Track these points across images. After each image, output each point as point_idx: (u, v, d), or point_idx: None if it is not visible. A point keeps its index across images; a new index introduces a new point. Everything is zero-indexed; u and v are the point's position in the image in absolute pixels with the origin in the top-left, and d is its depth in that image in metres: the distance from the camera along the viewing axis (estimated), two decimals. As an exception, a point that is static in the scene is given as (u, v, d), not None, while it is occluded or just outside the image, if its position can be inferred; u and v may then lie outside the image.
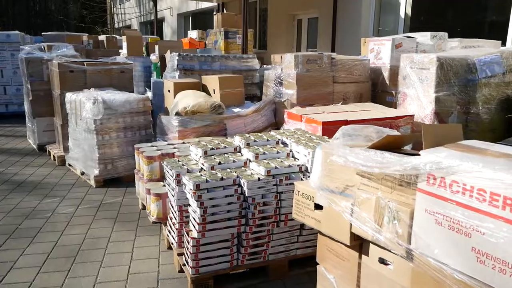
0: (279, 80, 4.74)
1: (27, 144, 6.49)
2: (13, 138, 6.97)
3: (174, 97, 4.39)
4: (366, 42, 6.33)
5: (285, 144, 2.90)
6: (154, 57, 7.19)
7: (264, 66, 6.21)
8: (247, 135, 3.03)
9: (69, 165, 5.14)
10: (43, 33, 10.87)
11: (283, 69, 4.69)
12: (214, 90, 4.47)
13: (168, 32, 19.86)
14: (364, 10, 9.10)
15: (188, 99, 4.13)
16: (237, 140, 2.94)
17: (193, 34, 7.58)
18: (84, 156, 4.62)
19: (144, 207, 3.71)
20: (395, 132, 2.01)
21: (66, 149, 5.30)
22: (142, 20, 23.57)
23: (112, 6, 22.73)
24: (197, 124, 4.07)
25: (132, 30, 9.06)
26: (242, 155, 2.76)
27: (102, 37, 10.05)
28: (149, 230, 3.37)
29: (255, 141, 2.86)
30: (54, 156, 5.44)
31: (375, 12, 9.28)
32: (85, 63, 5.24)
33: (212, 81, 4.49)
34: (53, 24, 42.84)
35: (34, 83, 5.84)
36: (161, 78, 5.99)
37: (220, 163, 2.58)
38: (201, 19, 18.38)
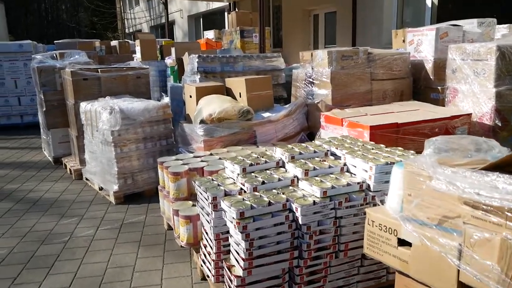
0: (310, 80, 4.32)
1: (42, 156, 6.20)
2: (28, 150, 6.69)
3: (197, 103, 4.01)
4: (398, 34, 5.86)
5: (335, 156, 2.48)
6: (170, 61, 6.84)
7: (294, 65, 5.80)
8: (289, 146, 2.63)
9: (86, 179, 4.81)
10: (55, 41, 10.65)
11: (315, 68, 4.28)
12: (240, 93, 4.07)
13: (179, 34, 19.57)
14: (386, 1, 8.61)
15: (213, 105, 3.74)
16: (279, 153, 2.53)
17: (210, 34, 7.21)
18: (102, 170, 4.27)
19: (170, 228, 3.34)
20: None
21: (82, 161, 4.98)
22: (152, 24, 23.35)
23: (122, 11, 22.55)
24: (224, 132, 3.68)
25: (145, 34, 8.74)
26: (287, 171, 2.35)
27: (114, 43, 9.76)
28: (178, 256, 2.99)
29: (300, 153, 2.46)
30: (70, 170, 5.12)
31: (398, 2, 8.78)
32: (99, 69, 4.91)
33: (237, 84, 4.10)
34: (65, 32, 43.20)
35: (47, 93, 5.53)
36: (179, 83, 5.63)
37: (263, 182, 2.18)
38: (211, 20, 18.04)
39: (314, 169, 2.27)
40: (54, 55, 6.07)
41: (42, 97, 5.54)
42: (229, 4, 14.64)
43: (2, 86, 8.46)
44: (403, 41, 5.83)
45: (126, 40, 11.01)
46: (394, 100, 4.36)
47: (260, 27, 7.98)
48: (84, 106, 4.52)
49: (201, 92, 4.05)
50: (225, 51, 5.95)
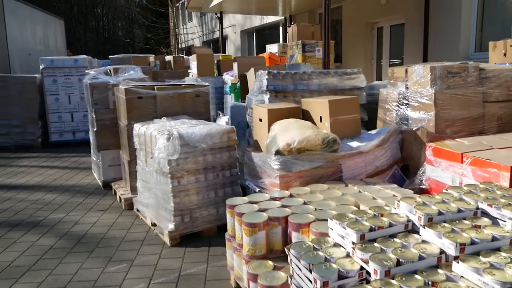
0: (405, 101, 3.54)
1: (91, 179, 5.78)
2: (78, 171, 6.32)
3: (269, 128, 3.34)
4: (498, 46, 4.98)
5: (487, 216, 1.70)
6: (228, 77, 6.28)
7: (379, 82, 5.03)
8: (418, 199, 1.87)
9: (137, 210, 4.26)
10: (110, 56, 10.50)
11: (410, 86, 3.50)
12: (321, 117, 3.37)
13: (231, 49, 19.30)
14: (464, 12, 7.65)
15: (292, 132, 3.05)
16: (405, 209, 1.79)
17: (273, 48, 6.63)
18: (156, 203, 3.69)
19: (239, 287, 2.66)
20: None
21: (134, 189, 4.45)
22: (204, 40, 23.36)
23: (177, 27, 22.72)
24: (304, 166, 2.97)
25: (202, 48, 8.30)
26: (423, 241, 1.60)
27: (168, 58, 9.42)
28: (252, 332, 2.29)
29: (439, 213, 1.70)
30: (120, 198, 4.61)
31: (478, 12, 7.78)
32: (155, 87, 4.39)
33: (318, 106, 3.40)
34: (120, 48, 44.81)
35: (99, 112, 5.10)
36: (241, 101, 5.02)
37: (398, 262, 1.44)
38: (264, 35, 17.60)
39: (472, 242, 1.50)
40: (108, 70, 5.67)
41: (94, 115, 5.11)
42: (285, 18, 14.12)
43: (56, 101, 8.30)
44: (504, 54, 4.93)
45: (180, 55, 10.68)
46: (511, 127, 3.49)
47: (324, 40, 7.28)
48: (138, 128, 3.99)
49: (274, 115, 3.39)
50: (295, 66, 5.29)
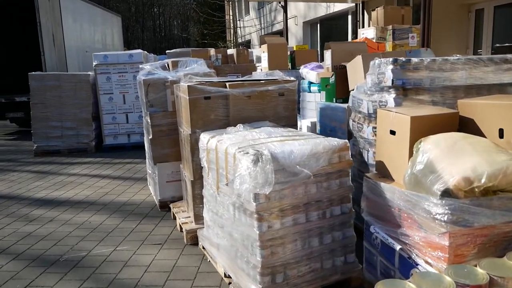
0: None
1: (146, 194, 4.84)
2: (132, 182, 5.43)
3: (411, 147, 2.12)
4: None
5: None
6: (308, 70, 5.10)
7: None
8: None
9: (203, 247, 3.20)
10: (167, 51, 9.67)
11: None
12: (501, 131, 2.08)
13: (292, 43, 18.04)
14: None
15: (469, 158, 1.81)
16: None
17: (369, 32, 5.36)
18: (232, 248, 2.60)
19: None
20: None
21: (198, 217, 3.41)
22: (262, 33, 22.27)
23: (236, 19, 21.85)
24: (495, 218, 1.73)
25: (274, 37, 7.19)
26: None
27: (231, 51, 8.40)
28: None
29: None
30: (181, 226, 3.58)
31: None
32: (226, 84, 3.30)
33: (495, 112, 2.12)
34: (176, 46, 45.07)
35: (155, 116, 4.12)
36: (336, 101, 3.82)
37: None
38: (330, 26, 16.20)
39: None
40: (166, 64, 4.68)
41: (149, 120, 4.13)
42: (356, 5, 12.65)
43: (110, 101, 7.53)
44: None
45: (244, 48, 9.64)
46: None
47: (423, 24, 5.90)
48: (206, 140, 2.92)
49: (421, 126, 2.15)
50: (413, 53, 3.99)
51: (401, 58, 2.70)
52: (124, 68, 7.43)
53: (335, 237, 2.49)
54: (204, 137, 2.98)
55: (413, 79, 2.68)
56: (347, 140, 2.49)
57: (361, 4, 12.38)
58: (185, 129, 3.46)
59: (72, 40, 11.20)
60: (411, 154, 2.15)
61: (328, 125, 3.82)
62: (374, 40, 5.31)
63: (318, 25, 16.39)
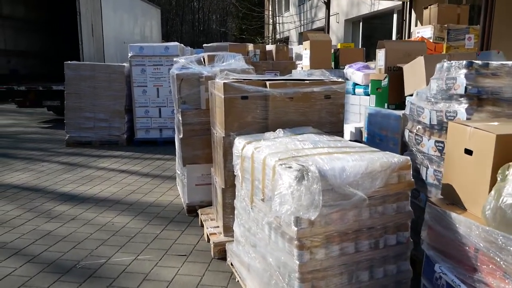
0: None
1: (174, 195, 4.57)
2: (160, 180, 5.18)
3: (500, 173, 1.69)
4: None
5: None
6: (354, 70, 4.69)
7: None
8: None
9: (232, 264, 2.87)
10: (204, 45, 9.42)
11: None
12: None
13: (333, 41, 17.45)
14: None
15: None
16: None
17: (425, 31, 4.84)
18: (266, 274, 2.25)
19: None
20: None
21: (228, 229, 3.09)
22: (301, 30, 21.76)
23: (275, 15, 21.44)
24: None
25: (317, 33, 6.77)
26: None
27: (270, 47, 8.03)
28: None
29: None
30: (208, 237, 3.27)
31: None
32: (267, 82, 2.94)
33: None
34: (214, 40, 45.21)
35: (188, 113, 3.82)
36: (389, 107, 3.39)
37: None
38: (374, 25, 15.54)
39: None
40: (202, 58, 4.38)
41: (180, 117, 3.84)
42: (403, 3, 11.97)
43: (144, 94, 7.34)
44: None
45: (284, 44, 9.25)
46: None
47: (484, 24, 5.32)
48: (241, 145, 2.57)
49: (509, 147, 1.72)
50: (482, 55, 3.51)
51: (477, 62, 2.25)
52: (159, 61, 7.22)
53: (388, 271, 2.09)
54: (239, 142, 2.64)
55: (491, 88, 2.23)
56: (408, 158, 2.08)
57: (408, 2, 11.71)
58: (218, 131, 3.14)
59: (110, 31, 11.15)
60: (493, 180, 1.73)
61: (377, 134, 3.40)
62: (432, 40, 4.80)
63: (361, 23, 15.75)
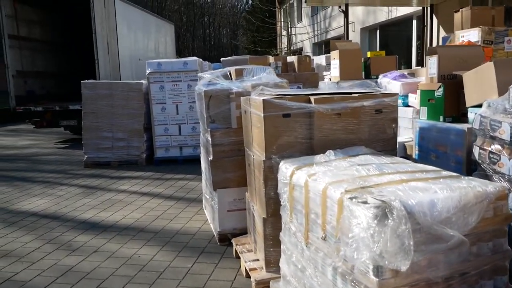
0: None
1: (202, 220, 4.24)
2: (185, 203, 4.86)
3: None
4: None
5: None
6: (390, 80, 4.35)
7: None
8: None
9: (279, 305, 2.50)
10: (221, 59, 9.15)
11: None
12: None
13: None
14: None
15: None
16: None
17: (472, 35, 4.50)
18: (328, 326, 1.88)
19: None
20: None
21: (270, 263, 2.74)
22: (315, 41, 21.52)
23: (290, 26, 21.24)
24: None
25: (345, 41, 6.46)
26: None
27: (291, 58, 7.73)
28: None
29: None
30: (247, 272, 2.91)
31: None
32: (311, 98, 2.61)
33: None
34: (225, 54, 45.44)
35: (217, 133, 3.50)
36: (445, 120, 3.02)
37: None
38: (390, 33, 15.20)
39: None
40: (228, 73, 4.08)
41: (210, 138, 3.52)
42: (423, 9, 11.61)
43: (163, 111, 7.08)
44: None
45: (306, 55, 8.96)
46: None
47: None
48: (288, 171, 2.23)
49: None
50: None
51: None
52: (178, 77, 6.97)
53: (484, 324, 1.71)
54: (285, 168, 2.30)
55: None
56: (504, 185, 1.71)
57: (429, 8, 11.35)
58: (256, 153, 2.81)
59: (126, 48, 11.01)
60: None
61: (432, 150, 3.03)
62: (480, 44, 4.43)
63: (378, 31, 15.41)
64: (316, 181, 1.95)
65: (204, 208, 4.51)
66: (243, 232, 3.47)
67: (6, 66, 9.87)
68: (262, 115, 2.57)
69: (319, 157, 2.32)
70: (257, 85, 3.39)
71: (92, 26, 9.43)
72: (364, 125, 2.67)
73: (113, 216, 4.48)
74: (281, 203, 2.39)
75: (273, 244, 2.72)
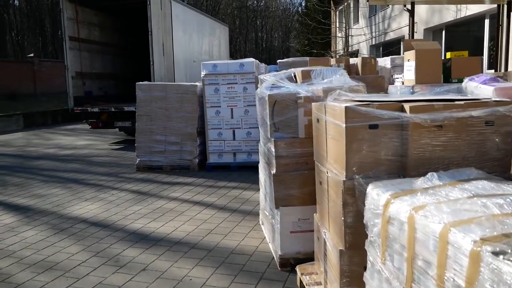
0: None
1: (259, 238, 3.83)
2: (240, 217, 4.47)
3: None
4: None
5: None
6: (478, 84, 3.69)
7: None
8: None
9: None
10: (278, 61, 8.75)
11: None
12: None
13: (409, 53, 16.14)
14: None
15: None
16: None
17: None
18: None
19: None
20: None
21: (345, 304, 2.25)
22: (372, 43, 20.59)
23: (346, 27, 20.51)
24: None
25: (421, 41, 5.82)
26: None
27: (354, 60, 7.17)
28: None
29: None
30: (316, 310, 2.45)
31: None
32: (405, 106, 2.11)
33: None
34: (276, 56, 45.19)
35: (282, 143, 3.07)
36: None
37: None
38: (457, 33, 14.09)
39: None
40: (293, 75, 3.64)
41: (273, 149, 3.09)
42: (498, 6, 10.56)
43: (217, 115, 6.78)
44: None
45: (371, 56, 8.35)
46: None
47: None
48: (382, 199, 1.75)
49: None
50: None
51: None
52: (234, 79, 6.63)
53: None
54: (377, 194, 1.82)
55: None
56: None
57: (506, 5, 10.29)
58: (332, 170, 2.34)
59: (180, 50, 10.91)
60: None
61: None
62: None
63: (444, 32, 14.35)
64: (428, 218, 1.46)
65: (261, 223, 4.10)
66: (308, 257, 3.02)
67: (66, 68, 10.07)
68: (344, 125, 2.11)
69: (420, 182, 1.82)
70: (329, 89, 2.93)
71: (148, 27, 9.38)
72: (471, 140, 2.14)
73: (164, 228, 4.19)
74: (368, 237, 1.91)
75: (350, 281, 2.24)
